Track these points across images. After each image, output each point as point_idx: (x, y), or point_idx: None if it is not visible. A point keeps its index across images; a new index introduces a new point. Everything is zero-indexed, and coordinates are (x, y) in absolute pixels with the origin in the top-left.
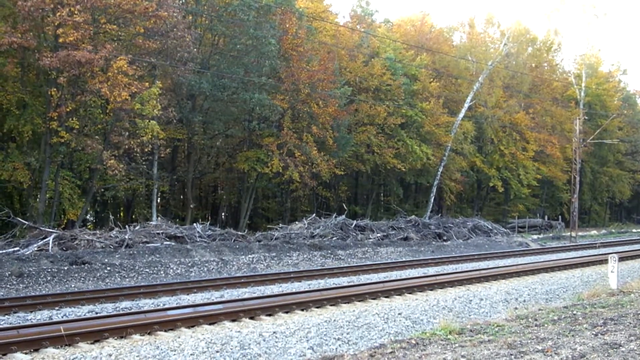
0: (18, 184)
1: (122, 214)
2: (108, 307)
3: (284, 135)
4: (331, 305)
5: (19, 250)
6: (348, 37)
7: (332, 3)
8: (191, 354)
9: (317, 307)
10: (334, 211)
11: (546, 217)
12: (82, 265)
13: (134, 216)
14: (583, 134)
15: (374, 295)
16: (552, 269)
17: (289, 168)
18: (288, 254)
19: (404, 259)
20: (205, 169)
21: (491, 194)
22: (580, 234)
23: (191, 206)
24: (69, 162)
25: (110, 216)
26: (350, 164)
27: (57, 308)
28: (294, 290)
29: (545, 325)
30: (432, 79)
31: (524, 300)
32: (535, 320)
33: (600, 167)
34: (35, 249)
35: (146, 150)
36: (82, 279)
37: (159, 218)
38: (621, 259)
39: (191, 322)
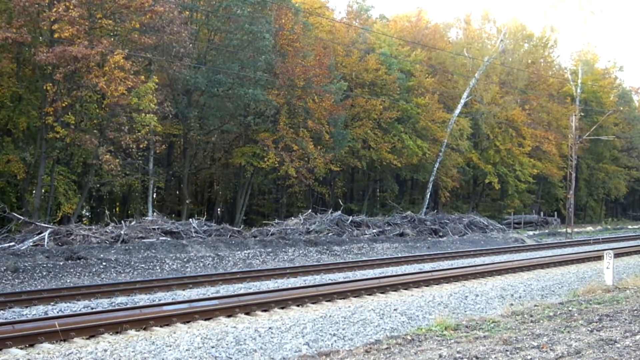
0: (12, 178)
1: (117, 209)
2: (103, 303)
3: (280, 130)
4: (327, 300)
5: (14, 245)
6: (344, 33)
7: None
8: (187, 350)
9: (313, 303)
10: (329, 207)
11: (542, 214)
12: (78, 261)
13: (129, 211)
14: (579, 130)
15: (370, 291)
16: (547, 265)
17: (284, 163)
18: (284, 250)
19: (399, 255)
20: (201, 164)
21: (487, 190)
22: (576, 230)
23: (187, 202)
24: (65, 157)
25: (106, 211)
26: (346, 160)
27: (52, 303)
28: (289, 286)
29: (541, 321)
30: (427, 75)
31: (520, 297)
32: (531, 316)
33: (596, 164)
34: (31, 244)
35: (142, 145)
36: (78, 274)
37: (155, 213)
38: (617, 255)
39: (187, 317)
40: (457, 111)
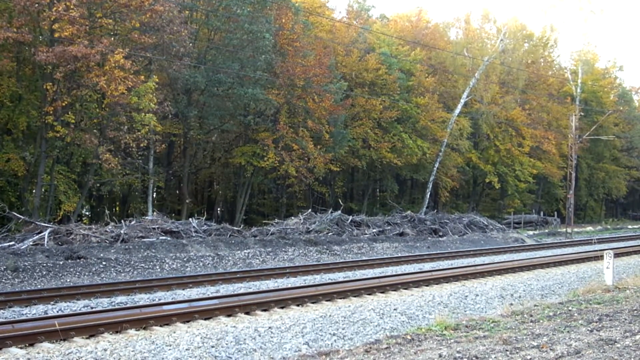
0: (12, 177)
1: (117, 209)
2: (103, 302)
3: (280, 129)
4: (327, 300)
5: (14, 245)
6: (344, 33)
7: None
8: (186, 349)
9: (313, 303)
10: (329, 207)
11: (542, 213)
12: (78, 260)
13: (129, 211)
14: (579, 130)
15: (370, 290)
16: (547, 264)
17: (284, 162)
18: (284, 249)
19: (399, 255)
20: (201, 164)
21: (487, 190)
22: (576, 230)
23: (187, 201)
24: (65, 157)
25: (106, 211)
26: (346, 159)
27: (52, 303)
28: (289, 286)
29: (541, 321)
30: (427, 75)
31: (520, 296)
32: (531, 316)
33: (596, 163)
34: (31, 243)
35: (142, 145)
36: (78, 273)
37: (155, 213)
38: (617, 255)
39: (187, 317)
40: (457, 111)
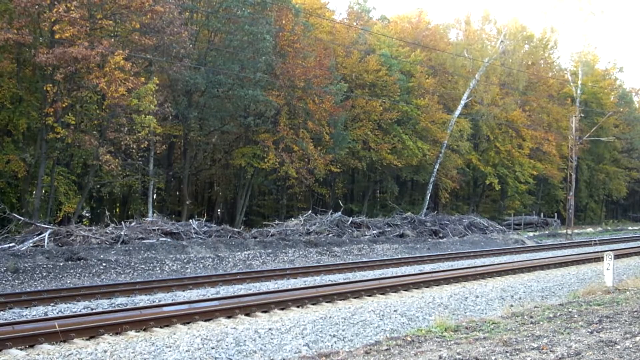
0: (13, 178)
1: (117, 210)
2: (103, 303)
3: (281, 130)
4: (327, 302)
5: (14, 246)
6: (344, 34)
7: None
8: (187, 351)
9: (313, 304)
10: (330, 208)
11: (542, 215)
12: (78, 261)
13: (129, 212)
14: (579, 131)
15: (370, 292)
16: (547, 266)
17: (285, 164)
18: (284, 251)
19: (399, 256)
20: (201, 165)
21: (487, 191)
22: (576, 231)
23: (187, 202)
24: (65, 158)
25: (106, 212)
26: (346, 161)
27: (52, 304)
28: (289, 287)
29: (541, 322)
30: (427, 76)
31: (520, 298)
32: (531, 317)
33: (597, 165)
34: (31, 244)
35: (142, 146)
36: (78, 275)
37: (155, 214)
38: (617, 257)
39: (187, 318)
40: (457, 112)
